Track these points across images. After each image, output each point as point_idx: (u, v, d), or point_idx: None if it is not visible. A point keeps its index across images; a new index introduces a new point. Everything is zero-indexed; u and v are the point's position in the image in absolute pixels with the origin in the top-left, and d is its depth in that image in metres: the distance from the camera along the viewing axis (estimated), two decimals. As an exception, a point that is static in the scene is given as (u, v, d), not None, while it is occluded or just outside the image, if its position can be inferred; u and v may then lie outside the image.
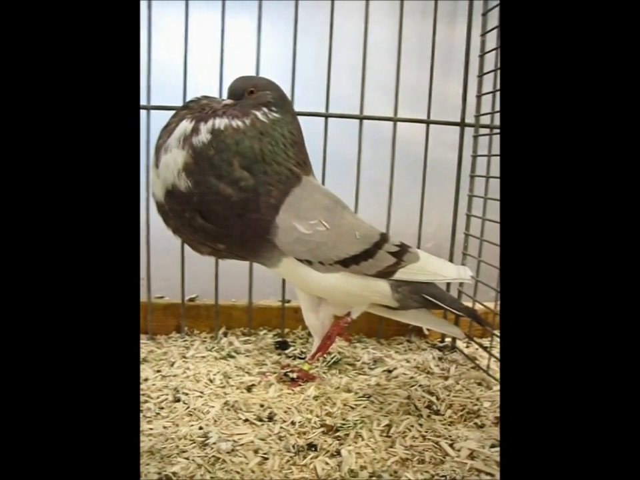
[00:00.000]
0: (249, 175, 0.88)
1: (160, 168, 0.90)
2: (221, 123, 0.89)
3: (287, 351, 1.24)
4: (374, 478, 0.76)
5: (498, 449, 0.83)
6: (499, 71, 1.19)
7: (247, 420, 0.90)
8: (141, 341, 1.26)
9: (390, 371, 1.15)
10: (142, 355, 1.17)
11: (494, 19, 1.24)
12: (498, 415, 0.95)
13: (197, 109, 0.92)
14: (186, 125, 0.89)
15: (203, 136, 0.87)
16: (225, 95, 0.98)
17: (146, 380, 1.04)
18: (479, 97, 1.29)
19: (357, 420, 0.90)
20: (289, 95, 1.07)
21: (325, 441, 0.84)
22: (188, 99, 1.00)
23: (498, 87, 1.21)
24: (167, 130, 0.92)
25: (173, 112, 0.97)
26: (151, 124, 1.18)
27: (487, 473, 0.77)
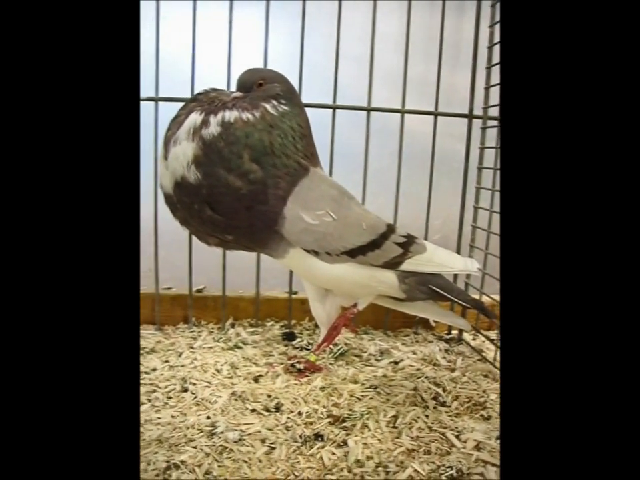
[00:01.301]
0: (258, 167, 0.89)
1: (169, 160, 0.90)
2: (230, 115, 0.89)
3: (293, 342, 1.24)
4: (380, 468, 0.76)
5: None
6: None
7: (254, 410, 0.91)
8: (149, 332, 1.28)
9: (396, 363, 1.15)
10: (150, 346, 1.18)
11: (503, 10, 1.23)
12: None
13: (206, 102, 0.92)
14: (195, 117, 0.89)
15: (213, 128, 0.88)
16: (233, 88, 0.98)
17: (154, 370, 1.05)
18: (487, 88, 1.28)
19: (363, 411, 0.91)
20: (296, 86, 1.07)
21: (332, 432, 0.84)
22: (196, 91, 1.00)
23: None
24: (176, 122, 0.92)
25: (180, 104, 0.97)
26: (159, 115, 1.18)
27: (493, 464, 0.77)
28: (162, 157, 0.93)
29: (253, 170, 0.88)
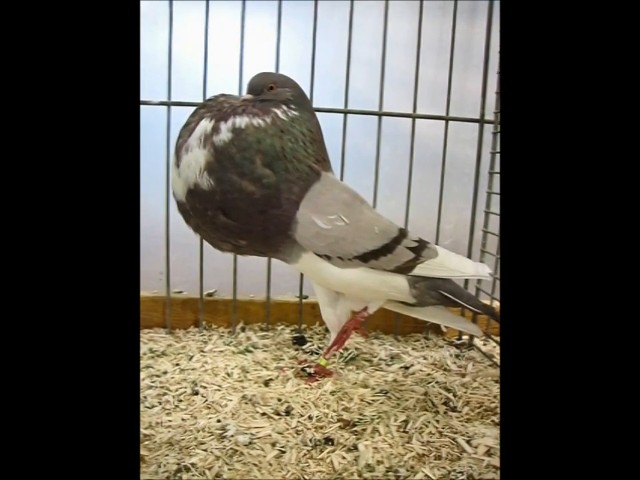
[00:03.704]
0: (270, 172, 0.89)
1: (181, 167, 0.91)
2: (241, 121, 0.89)
3: (304, 347, 1.24)
4: (391, 473, 0.76)
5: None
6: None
7: (264, 414, 0.91)
8: (160, 335, 1.28)
9: (407, 368, 1.15)
10: (161, 349, 1.18)
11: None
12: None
13: (216, 107, 0.93)
14: (206, 124, 0.89)
15: (224, 135, 0.88)
16: (244, 92, 0.99)
17: (165, 373, 1.06)
18: (498, 93, 1.28)
19: (373, 415, 0.91)
20: (308, 91, 1.08)
21: (342, 436, 0.84)
22: (208, 96, 1.01)
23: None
24: (187, 129, 0.93)
25: (192, 108, 0.97)
26: (172, 119, 1.19)
27: (504, 470, 0.77)
28: (174, 165, 0.93)
29: (266, 175, 0.89)
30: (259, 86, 0.95)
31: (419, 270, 0.98)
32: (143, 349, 1.18)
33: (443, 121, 1.29)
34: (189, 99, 1.17)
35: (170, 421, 0.87)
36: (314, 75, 1.23)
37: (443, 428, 0.89)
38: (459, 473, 0.76)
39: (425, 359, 1.21)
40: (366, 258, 0.95)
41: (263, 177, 0.89)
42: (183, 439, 0.81)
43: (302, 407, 0.93)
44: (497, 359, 1.21)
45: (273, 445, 0.81)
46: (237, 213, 0.90)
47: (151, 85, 1.13)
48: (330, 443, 0.82)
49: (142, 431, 0.83)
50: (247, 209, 0.89)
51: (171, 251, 1.26)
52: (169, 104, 1.21)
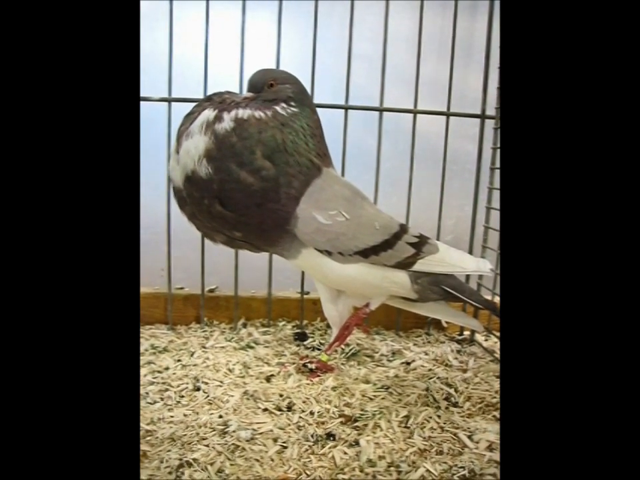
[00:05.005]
0: (270, 164, 0.89)
1: (180, 154, 0.90)
2: (244, 113, 0.89)
3: (305, 342, 1.24)
4: (392, 468, 0.76)
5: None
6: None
7: (266, 409, 0.91)
8: (161, 331, 1.29)
9: (408, 363, 1.15)
10: (162, 345, 1.19)
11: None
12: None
13: (219, 101, 0.93)
14: (209, 113, 0.90)
15: (226, 123, 0.88)
16: (245, 90, 0.99)
17: (167, 369, 1.06)
18: (499, 88, 1.27)
19: (375, 411, 0.91)
20: (308, 87, 1.07)
21: (344, 431, 0.85)
22: (209, 92, 1.01)
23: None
24: (190, 117, 0.93)
25: (192, 104, 0.97)
26: (172, 116, 1.19)
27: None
28: (174, 151, 0.93)
29: (266, 167, 0.89)
30: (259, 83, 0.94)
31: (420, 265, 0.98)
32: (145, 345, 1.18)
33: (444, 117, 1.28)
34: (190, 95, 1.17)
35: (172, 416, 0.88)
36: (315, 71, 1.22)
37: (444, 423, 0.89)
38: (461, 467, 0.76)
39: (427, 354, 1.21)
40: (366, 253, 0.95)
41: (262, 169, 0.88)
42: (185, 435, 0.82)
43: (303, 402, 0.93)
44: (499, 355, 1.21)
45: (275, 440, 0.81)
46: (234, 204, 0.89)
47: (151, 82, 1.13)
48: (331, 439, 0.82)
49: (144, 426, 0.84)
50: (244, 200, 0.89)
51: (172, 247, 1.26)
52: (169, 100, 1.21)
